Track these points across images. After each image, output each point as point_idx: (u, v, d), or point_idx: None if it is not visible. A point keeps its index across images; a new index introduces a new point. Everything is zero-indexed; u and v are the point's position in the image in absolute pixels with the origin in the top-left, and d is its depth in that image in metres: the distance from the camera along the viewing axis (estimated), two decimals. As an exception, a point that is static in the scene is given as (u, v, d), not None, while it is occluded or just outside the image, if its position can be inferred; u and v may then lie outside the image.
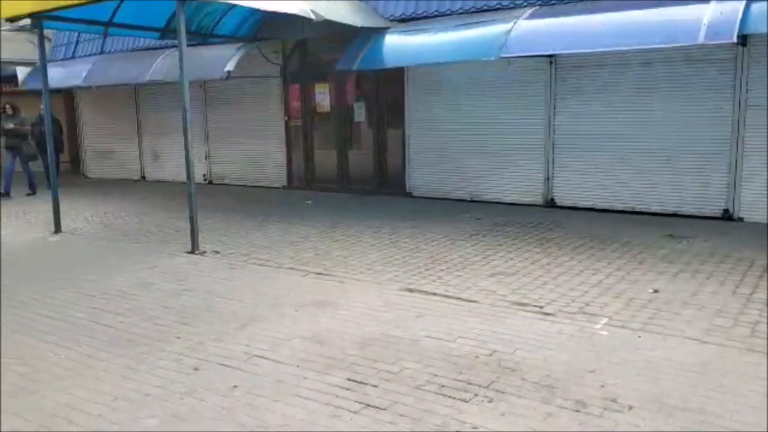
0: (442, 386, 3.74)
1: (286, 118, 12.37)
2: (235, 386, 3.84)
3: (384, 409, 3.49)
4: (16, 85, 15.99)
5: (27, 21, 10.00)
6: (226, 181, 13.43)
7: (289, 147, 12.48)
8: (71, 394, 3.81)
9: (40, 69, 8.92)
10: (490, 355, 4.17)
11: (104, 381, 3.99)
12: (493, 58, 8.13)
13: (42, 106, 12.42)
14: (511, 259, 6.64)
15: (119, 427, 3.39)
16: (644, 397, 3.54)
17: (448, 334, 4.56)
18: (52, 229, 8.94)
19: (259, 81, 12.31)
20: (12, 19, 9.29)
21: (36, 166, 13.42)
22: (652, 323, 4.67)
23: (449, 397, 3.61)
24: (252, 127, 12.88)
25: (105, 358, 4.34)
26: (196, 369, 4.12)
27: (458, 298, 5.38)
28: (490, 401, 3.54)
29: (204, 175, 13.50)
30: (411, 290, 5.67)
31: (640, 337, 4.43)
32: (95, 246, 8.11)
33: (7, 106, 12.92)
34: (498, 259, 6.63)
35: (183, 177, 12.19)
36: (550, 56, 9.13)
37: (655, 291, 5.42)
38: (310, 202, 10.86)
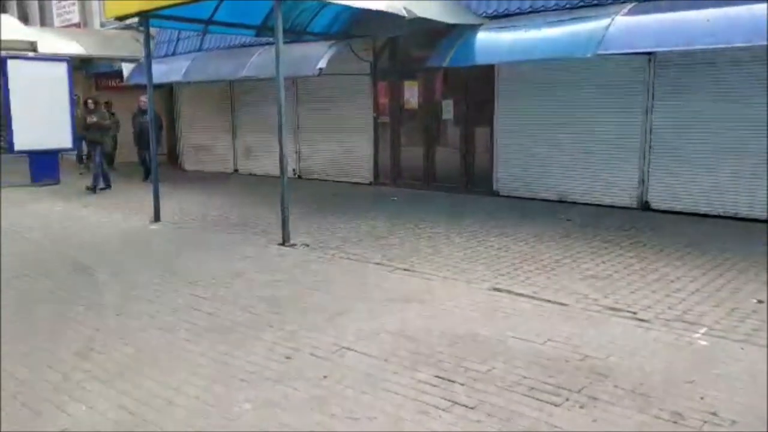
0: (531, 388, 3.69)
1: (375, 114, 12.49)
2: (325, 376, 3.93)
3: (472, 408, 3.48)
4: (121, 80, 16.91)
5: (134, 20, 10.59)
6: (315, 176, 13.70)
7: (376, 143, 12.60)
8: (172, 375, 4.00)
9: (145, 65, 9.38)
10: (582, 359, 4.08)
11: (202, 365, 4.16)
12: (588, 56, 7.90)
13: (142, 99, 13.12)
14: (603, 262, 6.45)
15: (216, 410, 3.53)
16: (748, 411, 3.37)
17: (537, 336, 4.49)
18: (152, 217, 9.39)
19: (349, 78, 12.46)
20: (121, 18, 9.84)
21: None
22: (757, 335, 4.43)
23: (539, 399, 3.56)
24: (341, 123, 13.08)
25: (203, 343, 4.54)
26: (287, 358, 4.24)
27: (548, 300, 5.28)
28: (581, 407, 3.46)
29: (293, 170, 13.82)
30: (499, 290, 5.61)
31: (743, 348, 4.21)
32: (192, 235, 8.47)
33: (89, 101, 13.24)
34: (589, 262, 6.45)
35: (274, 171, 12.50)
36: (649, 54, 8.79)
37: (760, 301, 5.14)
38: (395, 198, 10.93)
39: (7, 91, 13.28)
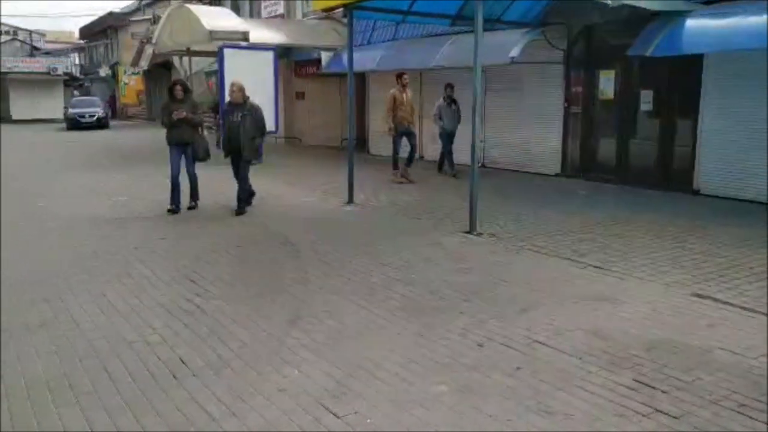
0: (742, 405, 3.47)
1: (566, 104, 12.16)
2: (519, 368, 3.97)
3: (676, 418, 3.34)
4: (318, 68, 17.96)
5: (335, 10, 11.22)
6: (499, 166, 13.64)
7: (566, 134, 12.27)
8: (372, 350, 4.27)
9: (347, 55, 9.89)
10: (802, 380, 3.75)
11: (398, 343, 4.39)
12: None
13: (234, 84, 9.34)
14: (827, 275, 5.81)
15: (415, 388, 3.72)
16: None
17: (747, 350, 4.18)
18: (346, 199, 9.93)
19: (541, 66, 12.23)
20: (327, 10, 10.48)
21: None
22: None
23: (751, 418, 3.34)
24: (529, 112, 12.89)
25: (398, 323, 4.78)
26: (480, 345, 4.34)
27: (760, 312, 4.87)
28: (802, 432, 3.20)
29: (477, 159, 13.83)
30: (701, 296, 5.28)
31: None
32: (382, 218, 8.86)
33: (178, 87, 9.33)
34: (809, 274, 5.85)
35: (458, 159, 12.64)
36: None
37: None
38: (584, 192, 10.59)
39: (222, 77, 14.64)
